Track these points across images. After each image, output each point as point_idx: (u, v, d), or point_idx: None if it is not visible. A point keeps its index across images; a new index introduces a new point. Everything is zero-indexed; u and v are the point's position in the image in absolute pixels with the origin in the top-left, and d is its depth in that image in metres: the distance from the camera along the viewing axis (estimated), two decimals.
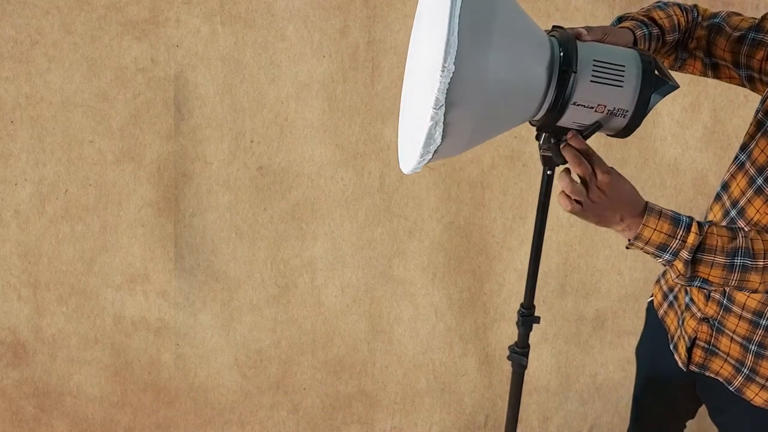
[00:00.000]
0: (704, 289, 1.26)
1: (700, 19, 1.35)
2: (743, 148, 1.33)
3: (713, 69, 1.35)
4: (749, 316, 1.33)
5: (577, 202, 1.11)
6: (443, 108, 0.94)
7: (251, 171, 2.18)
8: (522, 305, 1.41)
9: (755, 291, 1.18)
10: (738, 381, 1.40)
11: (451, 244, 2.24)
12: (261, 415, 2.40)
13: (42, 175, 2.19)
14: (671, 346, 1.51)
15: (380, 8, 2.05)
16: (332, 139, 2.16)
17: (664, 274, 1.59)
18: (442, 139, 0.98)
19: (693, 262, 1.14)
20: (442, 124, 0.96)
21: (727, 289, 1.34)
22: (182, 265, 2.26)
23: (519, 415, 1.60)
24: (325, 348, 2.34)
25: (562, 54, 1.07)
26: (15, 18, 2.06)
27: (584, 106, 1.08)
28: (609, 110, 1.08)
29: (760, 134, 1.28)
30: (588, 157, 1.11)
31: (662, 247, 1.13)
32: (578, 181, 1.13)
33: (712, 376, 1.45)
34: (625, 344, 2.30)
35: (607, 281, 2.26)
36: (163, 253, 2.25)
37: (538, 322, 1.41)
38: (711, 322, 1.40)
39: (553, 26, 1.13)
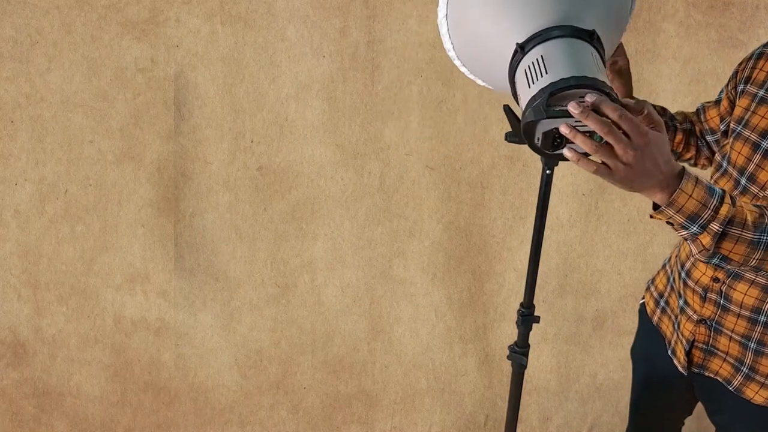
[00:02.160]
0: (720, 266, 1.23)
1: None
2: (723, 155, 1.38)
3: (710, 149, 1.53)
4: (747, 313, 1.34)
5: (604, 164, 0.99)
6: None
7: (251, 171, 2.18)
8: (522, 305, 1.41)
9: None
10: (737, 380, 1.40)
11: (451, 244, 2.24)
12: (261, 415, 2.40)
13: (42, 175, 2.19)
14: (669, 351, 1.51)
15: (380, 8, 2.05)
16: (332, 139, 2.16)
17: (653, 280, 1.60)
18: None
19: (719, 237, 1.08)
20: None
21: (724, 289, 1.34)
22: (182, 265, 2.26)
23: (519, 415, 1.60)
24: (325, 348, 2.34)
25: (531, 35, 1.07)
26: (15, 18, 2.06)
27: (515, 89, 1.08)
28: (523, 105, 1.05)
29: (732, 138, 1.33)
30: (622, 116, 0.97)
31: (693, 217, 1.05)
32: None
33: (712, 376, 1.45)
34: (625, 344, 2.30)
35: (607, 281, 2.26)
36: (163, 253, 2.25)
37: (538, 322, 1.41)
38: (708, 323, 1.40)
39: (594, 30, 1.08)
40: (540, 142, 1.04)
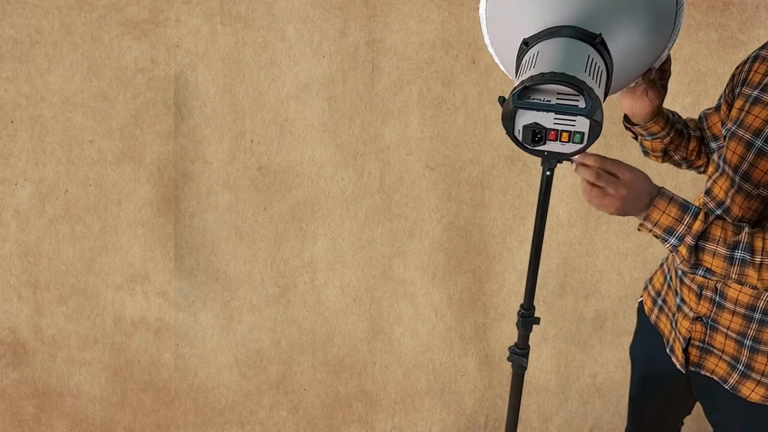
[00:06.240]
0: (708, 278, 1.31)
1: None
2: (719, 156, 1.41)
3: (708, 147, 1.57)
4: (742, 311, 1.35)
5: (599, 195, 1.18)
6: None
7: (251, 171, 2.18)
8: (522, 306, 1.41)
9: (755, 288, 1.24)
10: (733, 379, 1.41)
11: (451, 244, 2.24)
12: (261, 415, 2.40)
13: (42, 175, 2.19)
14: (667, 350, 1.52)
15: (380, 8, 2.05)
16: (332, 139, 2.16)
17: (650, 279, 1.61)
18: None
19: (697, 250, 1.21)
20: None
21: (719, 286, 1.36)
22: (182, 265, 2.26)
23: (519, 416, 1.60)
24: (325, 348, 2.34)
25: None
26: (15, 18, 2.06)
27: None
28: None
29: (728, 137, 1.36)
30: (604, 164, 1.17)
31: (669, 231, 1.20)
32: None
33: (708, 375, 1.45)
34: (625, 344, 2.30)
35: (607, 281, 2.27)
36: (163, 253, 2.25)
37: (538, 323, 1.42)
38: (704, 320, 1.41)
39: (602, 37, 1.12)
40: (521, 135, 1.05)
